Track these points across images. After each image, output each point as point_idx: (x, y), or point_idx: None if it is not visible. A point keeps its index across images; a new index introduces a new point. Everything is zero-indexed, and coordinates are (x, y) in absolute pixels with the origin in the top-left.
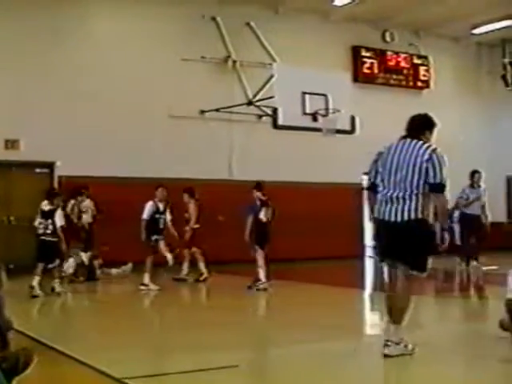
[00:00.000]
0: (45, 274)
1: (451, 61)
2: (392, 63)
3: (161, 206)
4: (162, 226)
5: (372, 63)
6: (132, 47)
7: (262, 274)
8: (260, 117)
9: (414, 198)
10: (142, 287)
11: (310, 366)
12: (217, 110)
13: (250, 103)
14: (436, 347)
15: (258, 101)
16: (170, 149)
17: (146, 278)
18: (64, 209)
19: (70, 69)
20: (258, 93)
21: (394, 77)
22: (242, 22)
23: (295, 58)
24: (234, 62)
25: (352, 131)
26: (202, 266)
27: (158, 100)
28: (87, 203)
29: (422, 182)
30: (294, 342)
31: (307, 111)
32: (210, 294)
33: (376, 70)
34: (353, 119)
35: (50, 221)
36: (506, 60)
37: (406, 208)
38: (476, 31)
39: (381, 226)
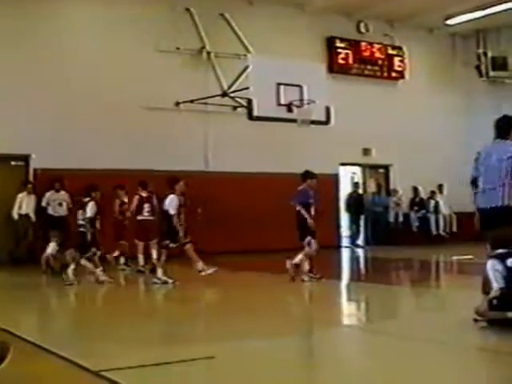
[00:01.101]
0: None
1: (426, 51)
2: (367, 54)
3: (181, 200)
4: (182, 222)
5: (347, 54)
6: (106, 39)
7: (306, 265)
8: (235, 108)
9: (501, 188)
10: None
11: (287, 357)
12: (192, 101)
13: (224, 94)
14: (414, 336)
15: (232, 92)
16: (145, 140)
17: (159, 272)
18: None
19: (44, 60)
20: (232, 84)
21: (369, 67)
22: (217, 13)
23: (270, 49)
24: (209, 53)
25: (327, 122)
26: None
27: (133, 92)
28: (62, 196)
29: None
30: (272, 333)
31: (282, 102)
32: (187, 286)
33: (351, 61)
34: (328, 110)
35: (82, 212)
36: (480, 50)
37: (496, 196)
38: (450, 22)
39: (482, 214)
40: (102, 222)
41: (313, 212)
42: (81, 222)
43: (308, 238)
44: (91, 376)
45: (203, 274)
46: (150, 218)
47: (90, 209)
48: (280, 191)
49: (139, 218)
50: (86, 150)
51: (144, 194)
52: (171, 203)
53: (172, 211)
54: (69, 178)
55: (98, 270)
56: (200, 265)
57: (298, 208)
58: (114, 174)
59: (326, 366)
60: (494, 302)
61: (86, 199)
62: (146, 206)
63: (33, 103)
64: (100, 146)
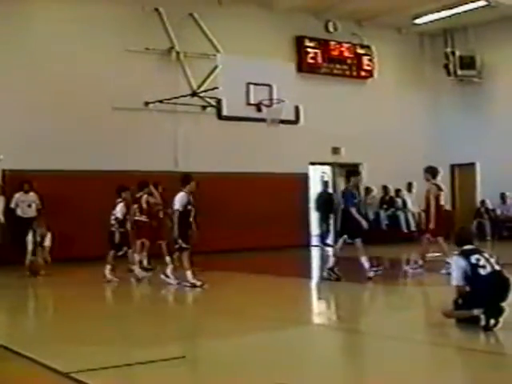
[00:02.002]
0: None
1: (394, 50)
2: (335, 53)
3: (191, 199)
4: (191, 220)
5: (315, 53)
6: (75, 39)
7: (367, 263)
8: (204, 108)
9: None
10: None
11: (257, 356)
12: (161, 101)
13: (194, 94)
14: (383, 334)
15: (202, 92)
16: (114, 141)
17: (189, 275)
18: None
19: (11, 61)
20: (202, 84)
21: (338, 66)
22: (186, 13)
23: (239, 49)
24: (178, 53)
25: (296, 121)
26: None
27: (102, 92)
28: (31, 197)
29: None
30: (241, 332)
31: (251, 102)
32: (155, 286)
33: (320, 60)
34: (297, 109)
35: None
36: (448, 49)
37: None
38: (418, 21)
39: None
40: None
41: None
42: (112, 222)
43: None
44: (60, 378)
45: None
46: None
47: (120, 210)
48: (250, 190)
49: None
50: (55, 150)
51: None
52: (180, 199)
53: (177, 206)
54: (38, 180)
55: (108, 269)
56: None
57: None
58: (83, 175)
59: (296, 365)
60: (460, 301)
61: (118, 200)
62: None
63: (0, 104)
64: (69, 147)
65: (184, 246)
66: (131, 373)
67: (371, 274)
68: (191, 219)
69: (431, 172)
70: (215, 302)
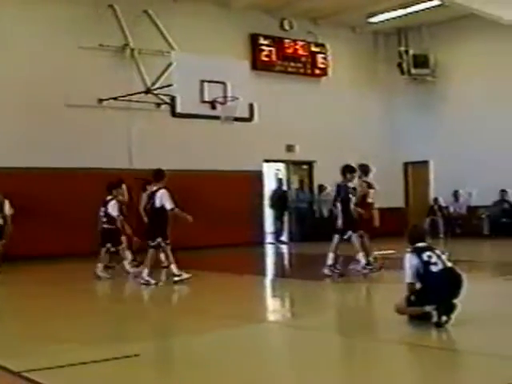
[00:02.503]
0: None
1: (348, 49)
2: (290, 51)
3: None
4: (119, 226)
5: (270, 51)
6: (28, 36)
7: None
8: (158, 105)
9: None
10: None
11: (212, 354)
12: (115, 98)
13: (148, 91)
14: (338, 331)
15: (156, 89)
16: (68, 138)
17: (174, 269)
18: None
19: None
20: (156, 81)
21: (292, 64)
22: (140, 9)
23: (194, 46)
24: (132, 50)
25: (250, 119)
26: None
27: (56, 89)
28: None
29: None
30: (196, 330)
31: (206, 99)
32: (112, 284)
33: (274, 58)
34: (251, 107)
35: (104, 209)
36: (402, 48)
37: None
38: (372, 20)
39: None
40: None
41: None
42: (103, 219)
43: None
44: (11, 377)
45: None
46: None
47: (112, 207)
48: (204, 188)
49: None
50: (8, 148)
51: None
52: (168, 197)
53: (169, 205)
54: None
55: (100, 266)
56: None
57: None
58: (37, 173)
59: (249, 362)
60: (412, 297)
61: (108, 197)
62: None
63: None
64: (22, 145)
65: (163, 244)
66: (83, 371)
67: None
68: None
69: (363, 170)
70: (173, 300)
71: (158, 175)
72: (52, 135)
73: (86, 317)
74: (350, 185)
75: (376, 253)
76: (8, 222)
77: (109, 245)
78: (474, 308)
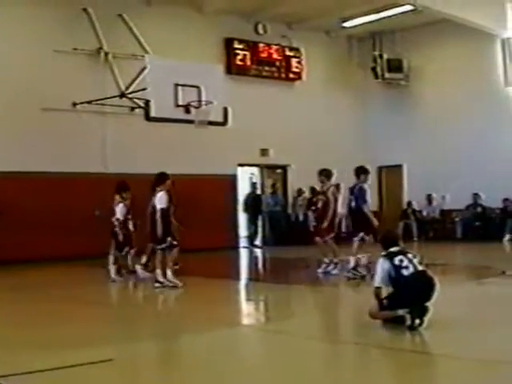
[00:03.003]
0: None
1: (323, 53)
2: (264, 55)
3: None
4: (132, 229)
5: (244, 55)
6: (1, 38)
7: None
8: (133, 109)
9: None
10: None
11: (185, 357)
12: (89, 102)
13: (122, 95)
14: (312, 335)
15: (130, 93)
16: (42, 142)
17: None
18: None
19: None
20: (130, 85)
21: (267, 68)
22: (115, 13)
23: (168, 50)
24: (107, 53)
25: (224, 123)
26: None
27: (29, 92)
28: None
29: None
30: (171, 334)
31: (180, 103)
32: (80, 288)
33: (248, 62)
34: (225, 111)
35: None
36: (376, 53)
37: None
38: (346, 24)
39: None
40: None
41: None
42: (114, 223)
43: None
44: None
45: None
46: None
47: (119, 210)
48: (178, 192)
49: None
50: None
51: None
52: (162, 198)
53: (162, 205)
54: None
55: (112, 269)
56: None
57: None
58: (10, 177)
59: (224, 366)
60: (384, 302)
61: (117, 200)
62: None
63: None
64: None
65: (174, 242)
66: (55, 377)
67: (350, 274)
68: (172, 219)
69: (325, 174)
70: (149, 304)
71: (159, 179)
72: (27, 139)
73: (67, 321)
74: (366, 186)
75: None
76: None
77: (127, 248)
78: (447, 311)
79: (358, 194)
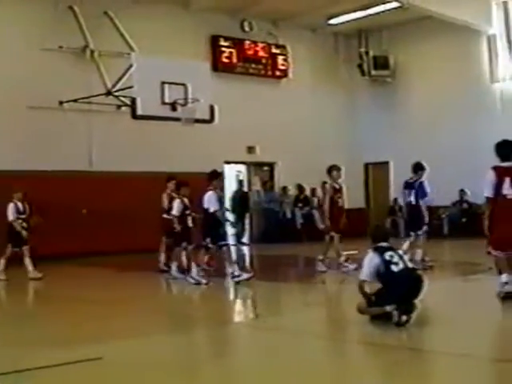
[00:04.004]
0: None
1: (309, 50)
2: (250, 52)
3: (187, 203)
4: (191, 225)
5: (231, 52)
6: None
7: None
8: (119, 107)
9: None
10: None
11: (177, 355)
12: (75, 100)
13: (108, 93)
14: (301, 331)
15: (117, 91)
16: (28, 140)
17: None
18: None
19: None
20: (116, 83)
21: (253, 66)
22: (100, 11)
23: (154, 48)
24: (93, 51)
25: (211, 120)
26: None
27: (16, 91)
28: None
29: None
30: (162, 332)
31: (166, 101)
32: (67, 286)
33: (235, 60)
34: (212, 108)
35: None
36: (363, 50)
37: None
38: (332, 21)
39: None
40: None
41: None
42: (173, 220)
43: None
44: None
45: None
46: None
47: (176, 207)
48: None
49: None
50: None
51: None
52: (210, 200)
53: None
54: None
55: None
56: (236, 270)
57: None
58: None
59: (216, 363)
60: (372, 298)
61: (175, 195)
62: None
63: None
64: None
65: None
66: (44, 375)
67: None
68: (190, 225)
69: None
70: (141, 301)
71: (211, 176)
72: (13, 137)
73: (40, 318)
74: (426, 182)
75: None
76: None
77: (184, 244)
78: (434, 308)
79: (418, 189)
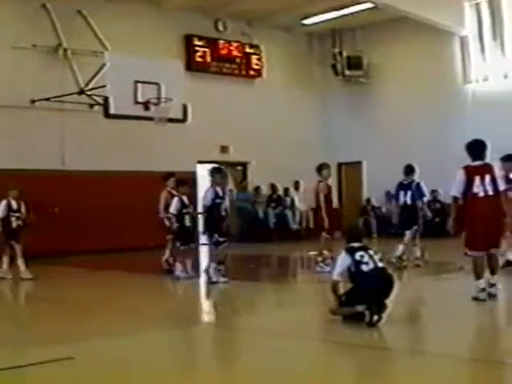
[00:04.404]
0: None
1: (283, 50)
2: (224, 52)
3: (219, 191)
4: (223, 213)
5: (204, 52)
6: None
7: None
8: (92, 106)
9: None
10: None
11: (145, 356)
12: (48, 99)
13: (81, 92)
14: (272, 332)
15: (89, 90)
16: None
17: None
18: None
19: None
20: (89, 82)
21: (227, 65)
22: (74, 9)
23: (128, 47)
24: (66, 50)
25: (184, 120)
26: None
27: None
28: None
29: None
30: (130, 332)
31: (139, 100)
32: (42, 287)
33: (209, 59)
34: (185, 108)
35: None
36: (336, 50)
37: None
38: (306, 22)
39: None
40: None
41: None
42: (170, 217)
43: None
44: None
45: None
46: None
47: (174, 205)
48: (138, 189)
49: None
50: None
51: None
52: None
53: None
54: None
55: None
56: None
57: None
58: None
59: (182, 364)
60: (343, 298)
61: (175, 193)
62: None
63: None
64: None
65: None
66: (14, 375)
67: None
68: (223, 213)
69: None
70: (111, 301)
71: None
72: None
73: (9, 318)
74: (422, 183)
75: (312, 253)
76: None
77: (178, 243)
78: (405, 307)
79: (415, 190)
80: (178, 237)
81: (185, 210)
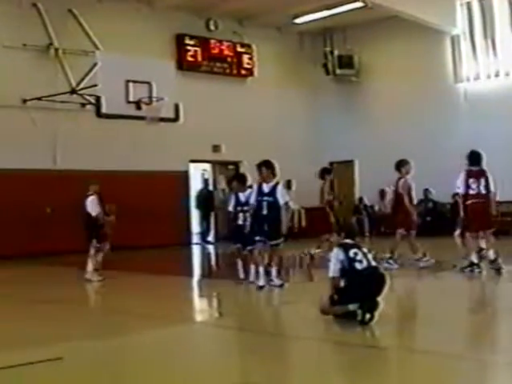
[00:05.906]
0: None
1: (274, 49)
2: (216, 51)
3: (265, 188)
4: (265, 212)
5: (196, 51)
6: None
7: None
8: (83, 105)
9: None
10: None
11: (138, 355)
12: (39, 98)
13: (73, 92)
14: (263, 331)
15: (81, 89)
16: None
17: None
18: None
19: None
20: (81, 81)
21: (218, 65)
22: (65, 9)
23: (119, 46)
24: (57, 49)
25: (176, 119)
26: None
27: None
28: None
29: None
30: (122, 332)
31: (131, 99)
32: (36, 286)
33: (200, 58)
34: (177, 107)
35: None
36: (328, 49)
37: None
38: (298, 21)
39: None
40: None
41: None
42: None
43: None
44: None
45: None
46: None
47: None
48: (130, 188)
49: None
50: None
51: None
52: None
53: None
54: None
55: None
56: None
57: None
58: None
59: (177, 363)
60: (335, 296)
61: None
62: None
63: None
64: None
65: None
66: (3, 376)
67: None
68: (264, 212)
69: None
70: (101, 301)
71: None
72: None
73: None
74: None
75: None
76: None
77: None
78: (397, 305)
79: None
80: (234, 237)
81: (239, 208)
